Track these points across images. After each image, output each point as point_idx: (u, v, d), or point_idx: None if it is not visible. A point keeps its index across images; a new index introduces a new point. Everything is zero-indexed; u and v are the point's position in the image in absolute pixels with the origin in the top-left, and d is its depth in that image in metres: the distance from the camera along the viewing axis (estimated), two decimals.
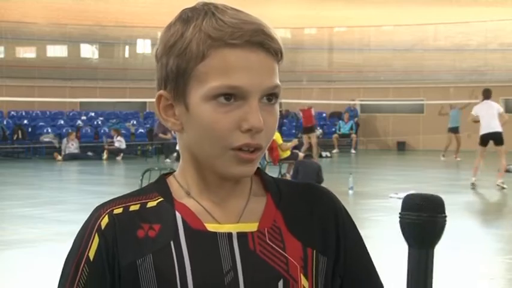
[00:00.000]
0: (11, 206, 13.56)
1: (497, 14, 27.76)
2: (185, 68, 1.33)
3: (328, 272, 1.42)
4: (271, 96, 1.34)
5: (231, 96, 1.31)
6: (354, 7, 28.07)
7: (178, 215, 1.37)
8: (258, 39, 1.31)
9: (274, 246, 1.37)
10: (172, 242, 1.34)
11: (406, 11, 28.38)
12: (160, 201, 1.39)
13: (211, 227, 1.36)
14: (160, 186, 1.41)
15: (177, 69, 1.34)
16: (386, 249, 9.38)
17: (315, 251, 1.40)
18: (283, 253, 1.37)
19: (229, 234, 1.36)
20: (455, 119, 24.45)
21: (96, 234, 1.35)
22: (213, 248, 1.35)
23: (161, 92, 1.37)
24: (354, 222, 1.52)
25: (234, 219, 1.38)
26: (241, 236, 1.36)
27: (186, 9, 1.38)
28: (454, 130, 24.38)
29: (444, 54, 29.62)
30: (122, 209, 1.38)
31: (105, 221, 1.36)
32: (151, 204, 1.39)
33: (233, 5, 1.37)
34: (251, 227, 1.38)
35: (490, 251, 9.24)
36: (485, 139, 15.59)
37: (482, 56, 29.17)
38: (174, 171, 1.46)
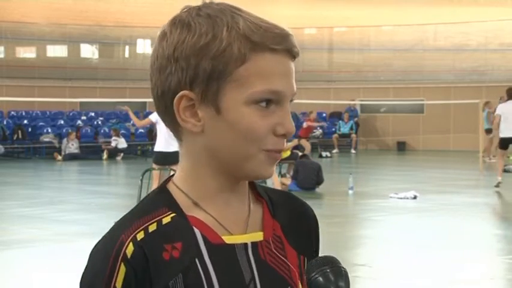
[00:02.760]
0: (11, 206, 13.55)
1: (497, 14, 27.76)
2: (222, 71, 1.31)
3: None
4: (291, 102, 1.38)
5: (270, 101, 1.32)
6: (354, 7, 28.07)
7: (196, 230, 1.35)
8: (290, 46, 1.34)
9: (278, 255, 1.40)
10: (197, 260, 1.34)
11: (406, 11, 28.37)
12: (173, 217, 1.36)
13: (227, 239, 1.36)
14: (167, 199, 1.38)
15: (211, 71, 1.31)
16: (387, 249, 9.38)
17: (306, 258, 1.45)
18: (286, 261, 1.41)
19: (245, 245, 1.37)
20: (488, 120, 23.76)
21: (123, 264, 1.31)
22: (234, 260, 1.36)
23: (186, 92, 1.33)
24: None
25: (242, 228, 1.39)
26: (254, 246, 1.38)
27: (195, 7, 1.35)
28: (489, 131, 23.69)
29: (444, 54, 29.62)
30: (143, 232, 1.33)
31: (130, 249, 1.31)
32: (166, 220, 1.36)
33: (236, 5, 1.36)
34: (258, 236, 1.40)
35: (490, 251, 9.24)
36: (505, 142, 15.49)
37: (482, 56, 29.17)
38: (172, 175, 1.43)
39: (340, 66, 30.83)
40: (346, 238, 10.20)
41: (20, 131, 25.65)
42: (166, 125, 1.40)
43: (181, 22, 1.34)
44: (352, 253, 9.19)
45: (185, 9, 1.37)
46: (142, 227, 1.34)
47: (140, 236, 1.33)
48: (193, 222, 1.36)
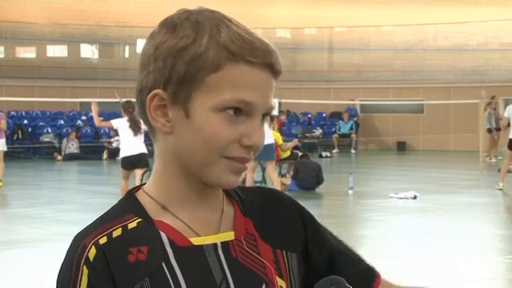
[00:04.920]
0: (11, 206, 13.57)
1: (497, 14, 27.76)
2: (194, 75, 1.31)
3: (301, 266, 1.46)
4: (266, 115, 1.37)
5: (238, 110, 1.32)
6: (354, 7, 28.06)
7: (162, 234, 1.35)
8: (270, 61, 1.34)
9: (252, 252, 1.40)
10: (163, 263, 1.33)
11: (406, 11, 28.37)
12: (139, 222, 1.36)
13: (195, 240, 1.36)
14: (133, 205, 1.38)
15: (184, 74, 1.32)
16: (387, 249, 9.39)
17: (284, 251, 1.44)
18: (260, 258, 1.40)
19: (215, 245, 1.37)
20: (489, 120, 23.70)
21: (85, 266, 1.32)
22: (202, 261, 1.35)
23: (158, 91, 1.34)
24: (312, 215, 1.55)
25: (213, 229, 1.39)
26: (224, 245, 1.38)
27: (188, 11, 1.36)
28: (489, 130, 23.65)
29: (444, 54, 29.61)
30: (106, 237, 1.34)
31: (92, 252, 1.32)
32: (131, 225, 1.36)
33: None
34: (229, 236, 1.39)
35: (490, 251, 9.24)
36: None
37: (482, 56, 29.17)
38: (144, 184, 1.43)
39: (340, 66, 30.82)
40: (346, 238, 10.08)
41: (20, 131, 25.66)
42: (143, 121, 1.41)
43: (170, 23, 1.36)
44: None
45: (180, 11, 1.37)
46: (106, 232, 1.35)
47: (103, 240, 1.33)
48: (159, 226, 1.36)
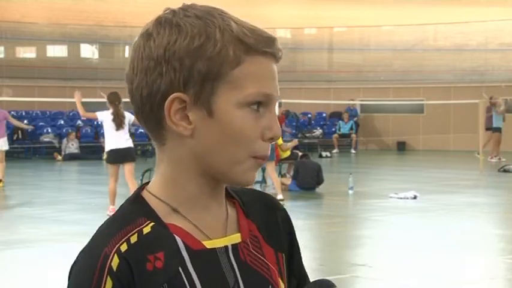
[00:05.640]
0: (11, 206, 13.56)
1: (497, 14, 27.77)
2: (217, 72, 1.30)
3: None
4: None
5: (260, 104, 1.33)
6: (354, 7, 28.08)
7: (177, 238, 1.34)
8: (276, 49, 1.35)
9: (257, 254, 1.41)
10: (180, 269, 1.32)
11: (406, 11, 28.38)
12: (153, 226, 1.34)
13: (208, 244, 1.36)
14: (143, 208, 1.35)
15: (206, 72, 1.29)
16: (387, 249, 9.38)
17: (284, 255, 1.46)
18: (265, 260, 1.41)
19: (226, 248, 1.37)
20: (496, 119, 23.62)
21: (109, 277, 1.28)
22: (216, 265, 1.35)
23: (179, 94, 1.30)
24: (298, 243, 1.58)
25: (221, 231, 1.39)
26: (234, 248, 1.38)
27: (181, 8, 1.34)
28: (497, 130, 23.58)
29: (444, 54, 29.61)
30: (125, 244, 1.31)
31: (115, 261, 1.29)
32: (146, 230, 1.33)
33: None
34: (236, 238, 1.39)
35: (490, 251, 9.24)
36: None
37: (482, 56, 29.17)
38: (147, 182, 1.40)
39: (340, 66, 30.82)
40: (346, 238, 10.20)
41: (20, 131, 25.65)
42: (147, 128, 1.36)
43: (169, 23, 1.32)
44: (352, 253, 9.20)
45: (168, 10, 1.34)
46: (125, 238, 1.31)
47: (124, 247, 1.30)
48: (173, 229, 1.34)
